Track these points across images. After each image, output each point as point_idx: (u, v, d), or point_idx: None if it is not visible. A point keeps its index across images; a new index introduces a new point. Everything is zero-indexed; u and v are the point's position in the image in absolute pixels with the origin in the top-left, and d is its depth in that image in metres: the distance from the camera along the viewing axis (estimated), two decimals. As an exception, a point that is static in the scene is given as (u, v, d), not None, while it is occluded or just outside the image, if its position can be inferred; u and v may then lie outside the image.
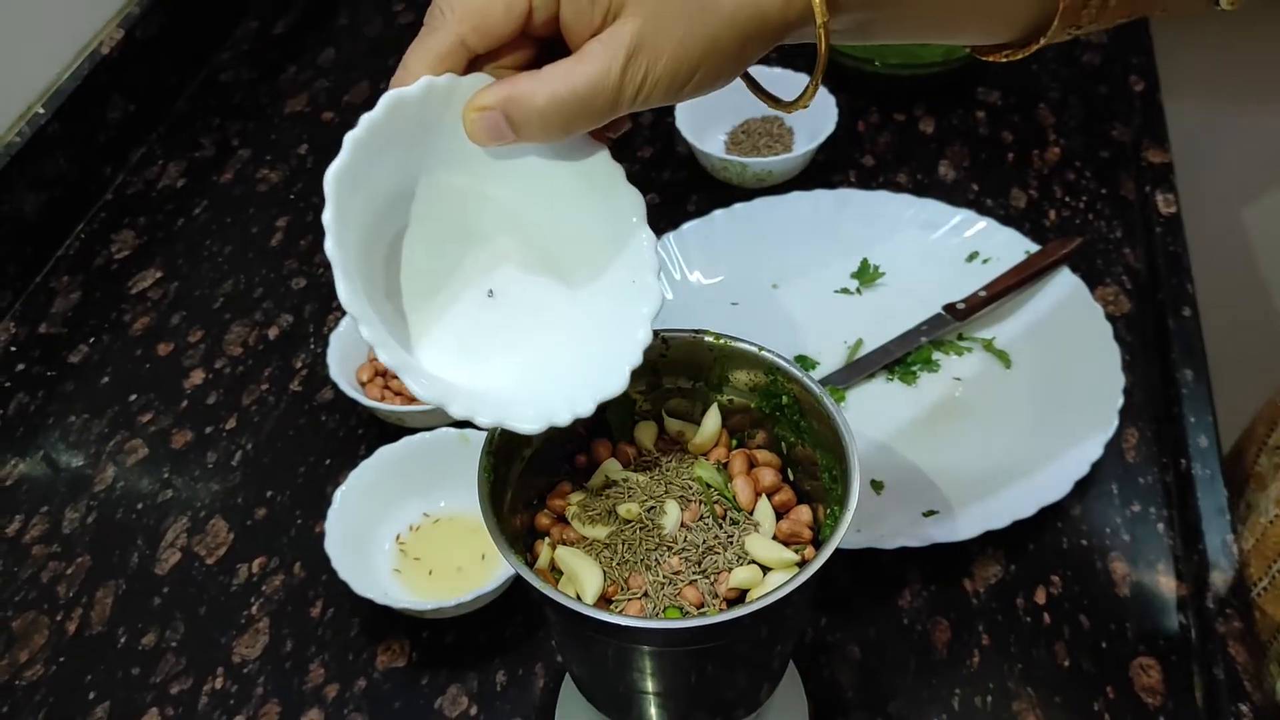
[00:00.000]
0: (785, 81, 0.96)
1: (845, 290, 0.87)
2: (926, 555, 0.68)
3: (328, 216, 0.40)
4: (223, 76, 1.12)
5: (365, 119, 0.41)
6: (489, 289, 0.48)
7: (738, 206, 0.90)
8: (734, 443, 0.55)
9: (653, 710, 0.53)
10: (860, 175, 0.97)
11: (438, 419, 0.75)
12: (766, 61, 1.01)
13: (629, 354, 0.47)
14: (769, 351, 0.53)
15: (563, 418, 0.45)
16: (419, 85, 0.41)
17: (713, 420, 0.54)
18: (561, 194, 0.46)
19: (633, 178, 0.47)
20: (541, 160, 0.45)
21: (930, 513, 0.70)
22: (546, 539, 0.52)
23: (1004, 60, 0.49)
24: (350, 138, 0.41)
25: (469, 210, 0.47)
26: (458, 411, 0.43)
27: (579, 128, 0.42)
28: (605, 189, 0.46)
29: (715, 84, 0.43)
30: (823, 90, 0.96)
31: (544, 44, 0.44)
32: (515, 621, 0.68)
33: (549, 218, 0.47)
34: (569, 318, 0.49)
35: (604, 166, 0.46)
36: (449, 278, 0.47)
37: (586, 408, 0.46)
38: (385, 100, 0.41)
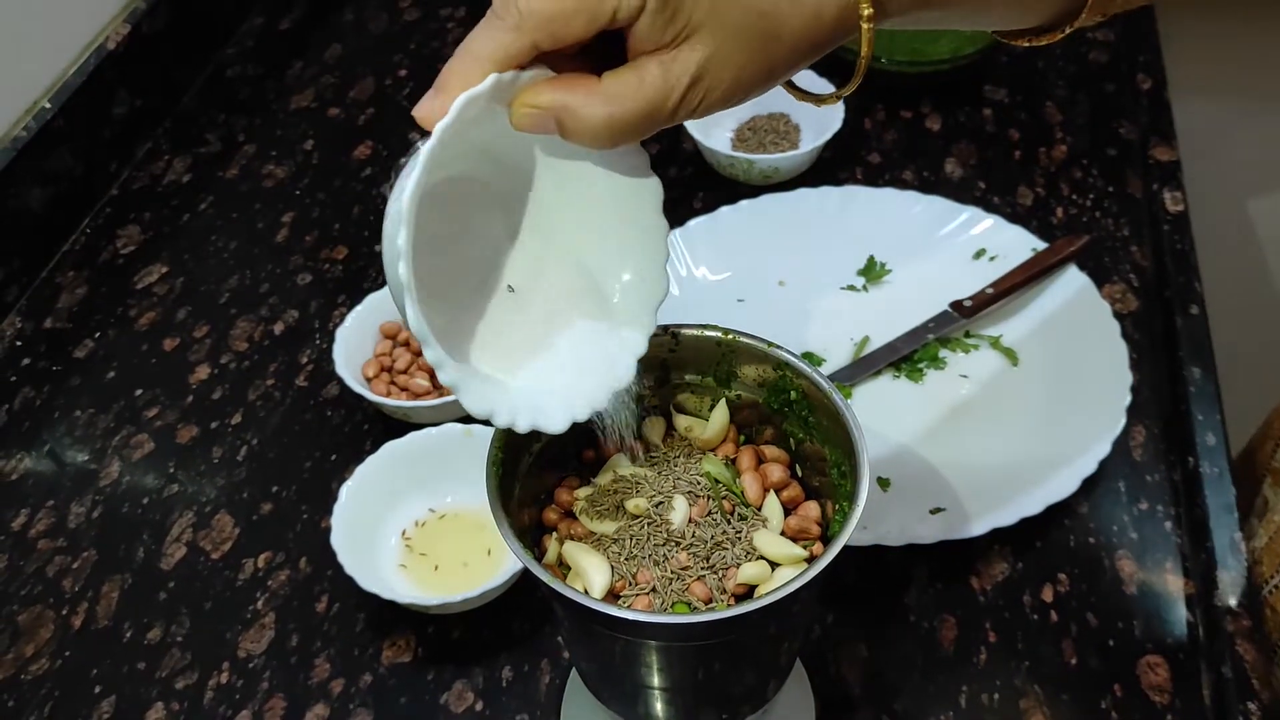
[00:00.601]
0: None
1: (852, 287, 0.87)
2: (933, 552, 0.68)
3: (404, 242, 0.39)
4: (229, 72, 1.12)
5: (440, 128, 0.40)
6: (510, 284, 0.48)
7: (744, 203, 0.90)
8: (742, 438, 0.55)
9: (659, 706, 0.53)
10: (867, 172, 0.97)
11: (443, 415, 0.75)
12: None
13: (635, 344, 0.48)
14: (777, 347, 0.52)
15: (582, 413, 0.47)
16: (488, 84, 0.40)
17: (720, 416, 0.54)
18: (584, 178, 0.46)
19: (640, 174, 0.47)
20: (568, 145, 0.45)
21: (937, 510, 0.70)
22: (554, 534, 0.52)
23: (1026, 45, 0.49)
24: (427, 151, 0.40)
25: (486, 196, 0.46)
26: (501, 421, 0.44)
27: (627, 143, 0.42)
28: (628, 174, 0.46)
29: (757, 95, 0.44)
30: (829, 87, 0.96)
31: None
32: (521, 617, 0.68)
33: (569, 202, 0.47)
34: (581, 307, 0.49)
35: (631, 154, 0.46)
36: (473, 270, 0.47)
37: (600, 400, 0.47)
38: (459, 103, 0.40)
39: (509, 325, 0.48)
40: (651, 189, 0.47)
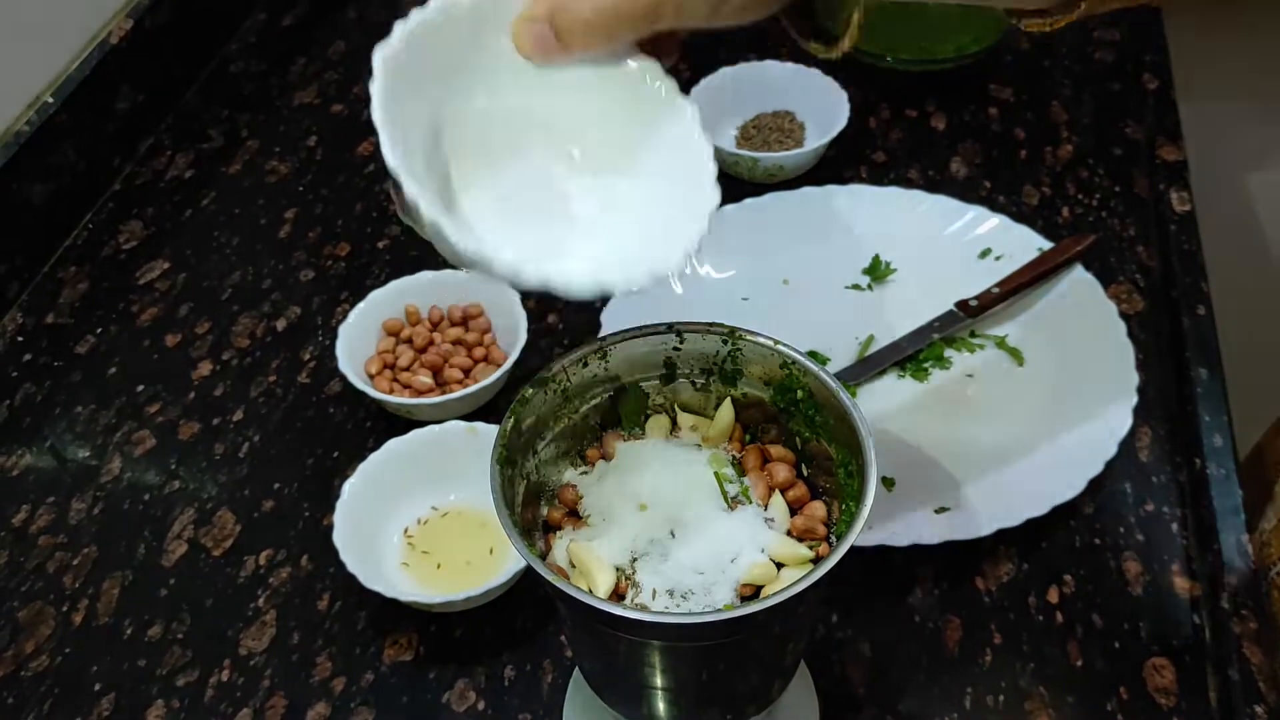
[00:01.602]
0: (791, 78, 0.97)
1: (856, 286, 0.86)
2: (938, 553, 0.68)
3: (376, 87, 0.39)
4: (232, 68, 1.11)
5: (418, 12, 0.40)
6: (544, 190, 0.47)
7: (748, 201, 0.89)
8: (747, 437, 0.55)
9: (663, 706, 0.53)
10: (871, 171, 0.96)
11: (446, 412, 0.75)
12: (760, 54, 1.00)
13: (686, 239, 0.45)
14: (784, 345, 0.52)
15: (616, 283, 0.43)
16: None
17: (726, 415, 0.54)
18: (614, 107, 0.46)
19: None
20: (593, 76, 0.45)
21: (942, 510, 0.70)
22: (558, 533, 0.52)
23: (1047, 29, 0.48)
24: (400, 25, 0.40)
25: (520, 129, 0.46)
26: (500, 270, 0.41)
27: (622, 37, 0.43)
28: (658, 102, 0.46)
29: (752, 14, 0.44)
30: (834, 85, 0.96)
31: None
32: (524, 616, 0.68)
33: (602, 132, 0.47)
34: (625, 211, 0.47)
35: (656, 82, 0.46)
36: (502, 183, 0.46)
37: (639, 278, 0.43)
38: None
39: (555, 219, 0.47)
40: (687, 111, 0.46)
